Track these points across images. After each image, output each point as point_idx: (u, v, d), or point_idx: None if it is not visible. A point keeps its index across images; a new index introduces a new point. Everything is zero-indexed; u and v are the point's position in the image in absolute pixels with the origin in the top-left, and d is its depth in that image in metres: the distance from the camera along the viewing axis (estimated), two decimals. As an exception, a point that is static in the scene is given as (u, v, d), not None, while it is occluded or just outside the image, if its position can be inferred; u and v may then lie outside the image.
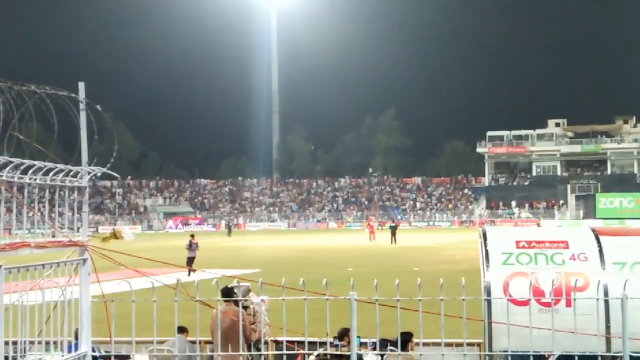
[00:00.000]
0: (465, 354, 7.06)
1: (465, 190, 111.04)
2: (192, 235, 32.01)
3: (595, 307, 7.10)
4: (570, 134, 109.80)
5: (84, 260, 6.73)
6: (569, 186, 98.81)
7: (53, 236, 6.52)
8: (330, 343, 8.80)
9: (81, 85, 6.70)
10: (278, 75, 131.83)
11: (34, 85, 6.25)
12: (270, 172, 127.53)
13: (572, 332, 6.73)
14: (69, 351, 6.76)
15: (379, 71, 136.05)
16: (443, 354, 6.72)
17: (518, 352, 7.11)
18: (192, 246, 30.23)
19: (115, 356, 8.69)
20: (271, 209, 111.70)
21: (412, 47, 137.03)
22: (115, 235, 7.13)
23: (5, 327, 5.70)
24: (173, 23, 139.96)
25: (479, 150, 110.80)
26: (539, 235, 8.41)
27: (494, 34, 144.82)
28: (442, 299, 6.60)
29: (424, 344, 7.37)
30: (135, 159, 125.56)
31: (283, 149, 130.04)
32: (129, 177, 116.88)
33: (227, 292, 9.18)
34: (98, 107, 6.78)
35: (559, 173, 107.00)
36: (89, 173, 6.78)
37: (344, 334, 9.03)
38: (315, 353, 8.95)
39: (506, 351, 7.20)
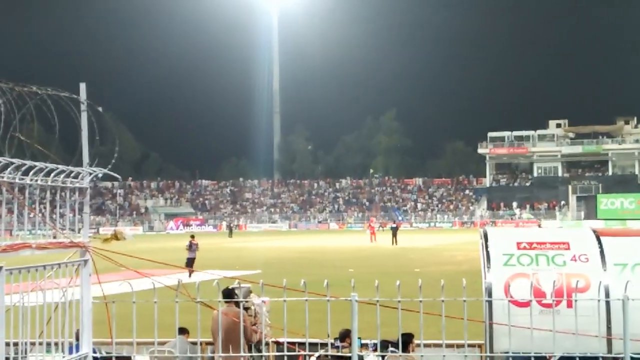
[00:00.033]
0: (466, 356, 7.07)
1: (466, 191, 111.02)
2: (192, 236, 32.01)
3: (597, 308, 7.09)
4: (571, 134, 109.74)
5: (85, 261, 6.74)
6: (570, 187, 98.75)
7: (54, 237, 6.52)
8: (331, 344, 8.79)
9: (82, 86, 6.70)
10: (279, 75, 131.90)
11: (35, 86, 6.25)
12: (271, 173, 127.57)
13: (573, 334, 6.71)
14: (70, 352, 6.76)
15: (380, 72, 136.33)
16: (444, 355, 6.71)
17: (519, 353, 7.10)
18: (192, 247, 30.23)
19: (117, 357, 8.68)
20: (272, 210, 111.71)
21: (413, 48, 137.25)
22: (116, 237, 7.13)
23: (6, 328, 5.70)
24: (173, 23, 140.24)
25: (480, 151, 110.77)
26: (540, 236, 8.40)
27: (496, 34, 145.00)
28: (443, 300, 6.60)
29: (425, 345, 7.37)
30: (136, 160, 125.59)
31: (284, 150, 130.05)
32: (130, 178, 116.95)
33: (228, 293, 9.19)
34: (99, 108, 6.78)
35: (560, 174, 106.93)
36: (90, 174, 6.78)
37: (345, 335, 9.02)
38: (316, 354, 8.94)
39: (507, 352, 7.19)
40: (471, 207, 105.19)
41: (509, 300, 7.39)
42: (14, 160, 5.82)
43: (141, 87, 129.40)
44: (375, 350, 9.20)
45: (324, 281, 6.60)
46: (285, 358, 7.82)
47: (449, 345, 7.32)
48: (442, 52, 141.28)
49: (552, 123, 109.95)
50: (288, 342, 9.19)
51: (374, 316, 6.60)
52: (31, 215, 6.25)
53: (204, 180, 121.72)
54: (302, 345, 8.62)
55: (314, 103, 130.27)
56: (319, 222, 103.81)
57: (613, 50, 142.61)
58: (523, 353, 7.06)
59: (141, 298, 6.64)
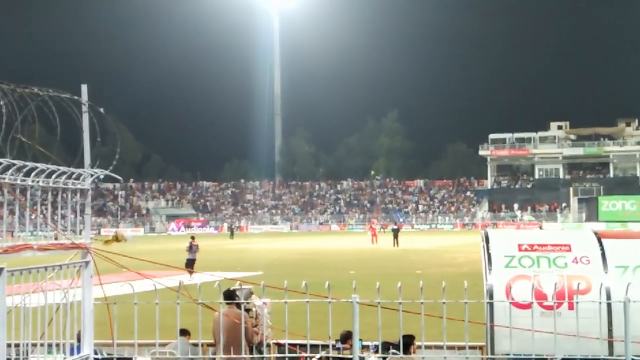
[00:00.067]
0: (467, 357, 7.05)
1: (468, 193, 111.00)
2: (193, 237, 32.01)
3: (598, 310, 7.08)
4: (572, 136, 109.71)
5: (87, 262, 6.74)
6: (571, 189, 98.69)
7: (55, 239, 6.52)
8: (333, 346, 8.79)
9: (84, 88, 6.71)
10: (280, 77, 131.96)
11: (37, 87, 6.26)
12: (273, 175, 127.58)
13: (575, 336, 6.71)
14: (72, 354, 6.76)
15: (382, 73, 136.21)
16: (445, 357, 6.70)
17: (520, 355, 7.10)
18: (192, 248, 30.23)
19: (118, 359, 8.67)
20: (273, 211, 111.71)
21: (414, 49, 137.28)
22: (117, 238, 7.13)
23: (8, 330, 5.70)
24: (174, 23, 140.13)
25: (481, 152, 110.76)
26: (542, 238, 8.40)
27: (497, 36, 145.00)
28: (444, 302, 6.59)
29: (426, 347, 7.37)
30: (138, 162, 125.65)
31: (285, 152, 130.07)
32: (132, 179, 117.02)
33: (230, 295, 9.19)
34: (101, 109, 6.79)
35: (561, 176, 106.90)
36: (92, 175, 6.78)
37: (346, 337, 9.02)
38: (318, 356, 8.94)
39: (508, 354, 7.19)
40: (472, 209, 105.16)
41: (510, 302, 7.38)
42: (15, 161, 5.83)
43: (142, 88, 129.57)
44: (376, 352, 9.18)
45: (325, 283, 6.60)
46: (287, 360, 7.81)
47: (450, 347, 7.31)
48: (443, 53, 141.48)
49: (554, 125, 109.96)
50: (289, 344, 9.19)
51: (375, 318, 6.60)
52: (33, 217, 6.26)
53: (205, 182, 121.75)
54: (303, 346, 8.62)
55: (316, 105, 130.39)
56: (320, 223, 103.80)
57: (614, 51, 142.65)
58: (524, 355, 7.06)
59: (142, 299, 6.64)
